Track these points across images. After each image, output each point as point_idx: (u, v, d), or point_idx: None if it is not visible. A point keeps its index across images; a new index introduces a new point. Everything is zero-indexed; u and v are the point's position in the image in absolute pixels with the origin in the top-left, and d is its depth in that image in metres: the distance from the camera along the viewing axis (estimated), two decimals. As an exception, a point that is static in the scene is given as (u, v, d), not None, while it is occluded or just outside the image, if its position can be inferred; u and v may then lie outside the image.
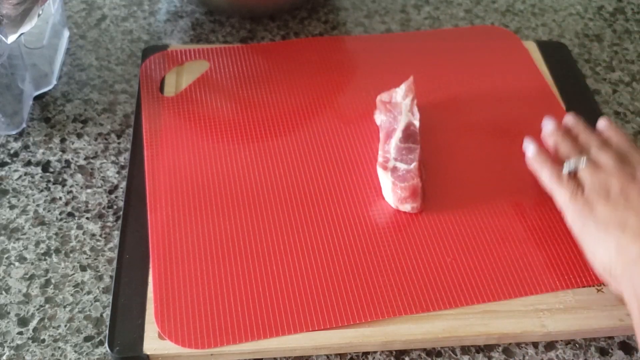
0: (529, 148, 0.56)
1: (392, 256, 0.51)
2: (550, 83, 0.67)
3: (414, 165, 0.54)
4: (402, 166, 0.54)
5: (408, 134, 0.57)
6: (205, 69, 0.66)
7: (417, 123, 0.57)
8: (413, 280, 0.49)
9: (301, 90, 0.64)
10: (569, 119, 0.58)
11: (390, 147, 0.56)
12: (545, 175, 0.53)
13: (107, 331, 0.47)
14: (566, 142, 0.55)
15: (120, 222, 0.53)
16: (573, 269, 0.51)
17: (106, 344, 0.46)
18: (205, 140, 0.59)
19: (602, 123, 0.57)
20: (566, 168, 0.53)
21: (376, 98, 0.61)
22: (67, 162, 0.59)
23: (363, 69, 0.67)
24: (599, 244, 0.47)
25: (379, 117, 0.60)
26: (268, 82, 0.65)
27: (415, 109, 0.58)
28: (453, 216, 0.54)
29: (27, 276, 0.51)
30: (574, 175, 0.52)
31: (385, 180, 0.54)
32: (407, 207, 0.54)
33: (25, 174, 0.58)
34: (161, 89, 0.64)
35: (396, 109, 0.59)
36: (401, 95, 0.59)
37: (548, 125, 0.58)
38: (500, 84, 0.66)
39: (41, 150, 0.59)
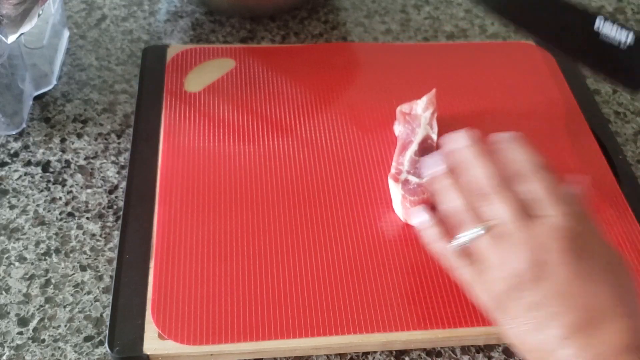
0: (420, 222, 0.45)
1: (397, 269, 0.51)
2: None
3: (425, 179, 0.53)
4: (413, 179, 0.53)
5: (424, 147, 0.56)
6: (230, 68, 0.66)
7: (435, 137, 0.56)
8: (419, 294, 0.49)
9: (320, 95, 0.64)
10: (458, 140, 0.44)
11: (404, 159, 0.55)
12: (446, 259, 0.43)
13: (107, 331, 0.47)
14: (450, 193, 0.43)
15: (120, 222, 0.53)
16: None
17: (106, 344, 0.46)
18: (218, 141, 0.59)
19: (503, 138, 0.44)
20: (456, 242, 0.42)
21: (395, 109, 0.60)
22: (67, 162, 0.59)
23: (387, 78, 0.66)
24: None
25: (398, 128, 0.59)
26: (286, 85, 0.65)
27: (435, 123, 0.57)
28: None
29: (27, 276, 0.51)
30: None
31: (395, 192, 0.54)
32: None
33: (25, 174, 0.58)
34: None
35: (415, 121, 0.58)
36: (422, 107, 0.58)
37: (429, 165, 0.45)
38: (526, 101, 0.65)
39: (41, 150, 0.59)
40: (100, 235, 0.54)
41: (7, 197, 0.56)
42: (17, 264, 0.51)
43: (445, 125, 0.60)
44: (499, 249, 0.40)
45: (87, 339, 0.48)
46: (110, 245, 0.53)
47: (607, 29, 0.46)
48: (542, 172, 0.41)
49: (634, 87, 0.49)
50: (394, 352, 0.48)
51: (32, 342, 0.47)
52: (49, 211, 0.55)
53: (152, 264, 0.50)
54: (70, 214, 0.55)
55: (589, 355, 0.37)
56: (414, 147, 0.56)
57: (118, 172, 0.58)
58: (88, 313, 0.49)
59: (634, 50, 0.46)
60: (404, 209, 0.53)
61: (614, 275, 0.39)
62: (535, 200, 0.40)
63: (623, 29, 0.46)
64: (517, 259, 0.39)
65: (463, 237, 0.42)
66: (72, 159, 0.59)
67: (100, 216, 0.55)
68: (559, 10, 0.47)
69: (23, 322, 0.48)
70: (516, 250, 0.39)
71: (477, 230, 0.41)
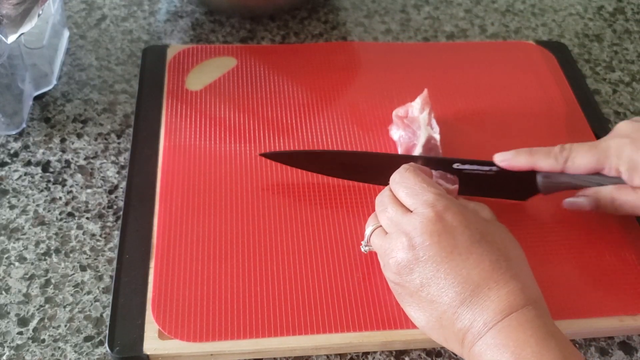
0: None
1: None
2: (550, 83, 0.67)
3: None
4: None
5: (429, 148, 0.56)
6: (231, 67, 0.66)
7: (437, 137, 0.56)
8: None
9: (320, 95, 0.64)
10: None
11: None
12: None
13: (107, 331, 0.47)
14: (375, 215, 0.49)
15: (120, 222, 0.53)
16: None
17: (106, 344, 0.46)
18: (218, 140, 0.59)
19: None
20: (363, 244, 0.50)
21: (392, 112, 0.60)
22: (67, 162, 0.59)
23: (387, 78, 0.66)
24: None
25: (397, 133, 0.59)
26: (286, 84, 0.65)
27: (434, 122, 0.57)
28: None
29: (27, 276, 0.51)
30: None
31: None
32: None
33: (25, 174, 0.58)
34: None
35: (414, 124, 0.58)
36: (417, 109, 0.58)
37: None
38: (526, 100, 0.65)
39: (41, 150, 0.59)
40: (100, 235, 0.54)
41: (7, 197, 0.56)
42: (17, 264, 0.51)
43: (446, 125, 0.60)
44: (384, 242, 0.46)
45: (87, 339, 0.48)
46: (110, 245, 0.53)
47: (467, 167, 0.53)
48: (405, 180, 0.47)
49: (521, 198, 0.55)
50: (394, 352, 0.48)
51: (32, 342, 0.47)
52: (49, 211, 0.55)
53: (152, 264, 0.50)
54: (70, 214, 0.55)
55: (479, 324, 0.41)
56: (418, 149, 0.56)
57: (118, 172, 0.58)
58: (88, 313, 0.49)
59: (502, 173, 0.52)
60: None
61: (486, 246, 0.43)
62: (406, 200, 0.46)
63: (482, 165, 0.53)
64: (395, 247, 0.44)
65: (369, 229, 0.48)
66: (72, 159, 0.59)
67: (100, 216, 0.55)
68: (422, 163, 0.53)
69: (23, 322, 0.48)
70: (393, 241, 0.45)
71: (369, 229, 0.48)
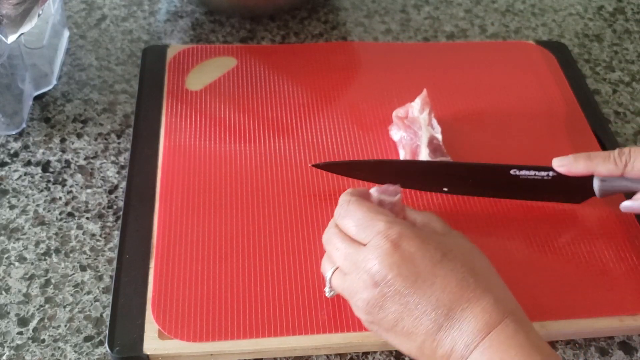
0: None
1: None
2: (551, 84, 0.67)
3: None
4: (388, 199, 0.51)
5: (433, 148, 0.56)
6: (231, 67, 0.66)
7: (439, 136, 0.56)
8: None
9: (320, 95, 0.64)
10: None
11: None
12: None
13: (107, 331, 0.47)
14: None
15: (120, 222, 0.53)
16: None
17: (106, 344, 0.46)
18: (219, 140, 0.59)
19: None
20: (326, 288, 0.47)
21: (392, 113, 0.59)
22: (67, 162, 0.59)
23: (387, 78, 0.66)
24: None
25: (397, 134, 0.59)
26: (286, 84, 0.65)
27: (435, 122, 0.57)
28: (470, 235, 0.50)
29: (27, 276, 0.51)
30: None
31: None
32: None
33: (25, 174, 0.58)
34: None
35: (415, 125, 0.58)
36: (417, 109, 0.58)
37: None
38: (526, 100, 0.65)
39: (41, 150, 0.59)
40: (100, 235, 0.54)
41: (7, 197, 0.56)
42: (17, 264, 0.51)
43: (446, 125, 0.59)
44: (345, 283, 0.44)
45: (87, 339, 0.48)
46: (110, 245, 0.53)
47: (524, 173, 0.53)
48: (352, 212, 0.45)
49: (575, 201, 0.55)
50: (394, 352, 0.48)
51: (32, 342, 0.47)
52: (48, 211, 0.55)
53: (152, 264, 0.50)
54: (70, 214, 0.55)
55: (460, 348, 0.40)
56: (423, 150, 0.56)
57: (118, 172, 0.58)
58: (88, 313, 0.49)
59: (559, 178, 0.52)
60: None
61: (449, 265, 0.42)
62: (357, 234, 0.44)
63: (540, 170, 0.53)
64: (358, 288, 0.42)
65: (328, 274, 0.46)
66: (72, 159, 0.59)
67: (100, 216, 0.55)
68: (480, 172, 0.54)
69: (23, 322, 0.48)
70: (354, 281, 0.43)
71: (328, 273, 0.46)
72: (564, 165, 0.52)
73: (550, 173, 0.52)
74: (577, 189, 0.52)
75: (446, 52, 0.70)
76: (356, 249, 0.43)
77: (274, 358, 0.47)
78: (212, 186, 0.55)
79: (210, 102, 0.62)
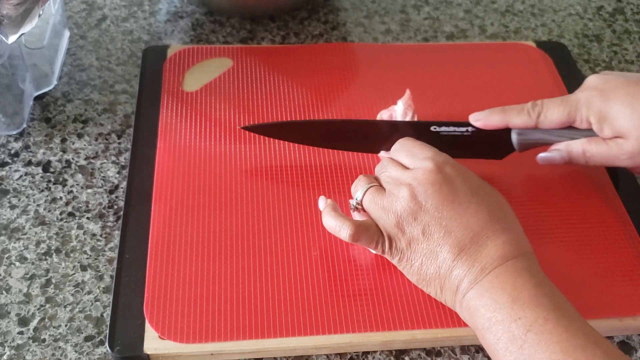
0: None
1: (397, 269, 0.50)
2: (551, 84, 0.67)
3: None
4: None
5: None
6: (227, 68, 0.66)
7: None
8: (418, 294, 0.49)
9: (319, 96, 0.64)
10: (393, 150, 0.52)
11: None
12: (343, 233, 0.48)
13: (107, 331, 0.47)
14: (360, 180, 0.50)
15: (120, 222, 0.53)
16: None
17: (106, 344, 0.46)
18: (215, 140, 0.59)
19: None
20: (354, 199, 0.50)
21: (376, 116, 0.59)
22: (68, 162, 0.59)
23: (386, 78, 0.66)
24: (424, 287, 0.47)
25: None
26: (285, 85, 0.65)
27: None
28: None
29: (27, 276, 0.51)
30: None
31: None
32: None
33: (26, 174, 0.58)
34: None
35: None
36: (400, 113, 0.57)
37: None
38: (525, 101, 0.63)
39: (42, 151, 0.60)
40: (101, 235, 0.54)
41: (8, 197, 0.56)
42: (17, 263, 0.52)
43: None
44: (381, 199, 0.47)
45: (88, 338, 0.48)
46: (111, 245, 0.53)
47: (444, 129, 0.55)
48: (404, 144, 0.50)
49: (497, 157, 0.56)
50: (394, 352, 0.48)
51: (33, 341, 0.47)
52: (49, 211, 0.55)
53: (149, 256, 0.50)
54: (70, 214, 0.55)
55: (476, 270, 0.43)
56: None
57: (118, 172, 0.58)
58: (88, 313, 0.49)
59: (478, 133, 0.54)
60: None
61: (482, 197, 0.46)
62: (407, 161, 0.49)
63: (458, 126, 0.55)
64: (396, 200, 0.46)
65: (358, 193, 0.49)
66: (73, 159, 0.59)
67: (101, 216, 0.55)
68: (399, 130, 0.55)
69: (23, 321, 0.48)
70: (393, 195, 0.46)
71: (360, 191, 0.49)
72: (480, 119, 0.54)
73: (470, 128, 0.54)
74: (496, 143, 0.55)
75: (445, 53, 0.70)
76: (403, 170, 0.48)
77: (274, 358, 0.48)
78: (208, 186, 0.55)
79: (207, 102, 0.62)
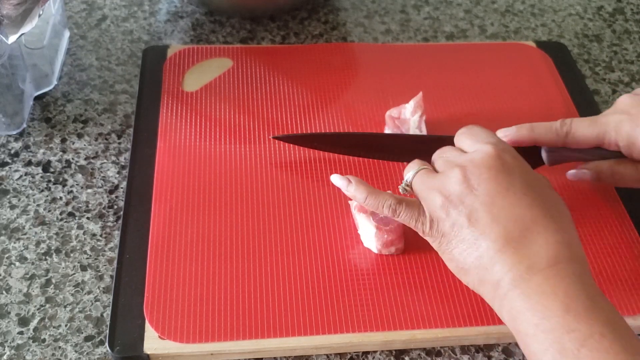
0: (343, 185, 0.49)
1: (398, 268, 0.51)
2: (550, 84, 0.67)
3: None
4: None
5: None
6: (227, 68, 0.66)
7: None
8: (418, 294, 0.49)
9: (319, 96, 0.64)
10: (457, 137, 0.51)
11: None
12: (384, 206, 0.46)
13: (107, 331, 0.47)
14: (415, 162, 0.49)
15: (120, 222, 0.53)
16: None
17: (106, 344, 0.46)
18: (215, 140, 0.59)
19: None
20: (405, 179, 0.48)
21: (385, 114, 0.59)
22: (68, 162, 0.59)
23: (386, 78, 0.66)
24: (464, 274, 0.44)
25: (387, 133, 0.59)
26: (284, 85, 0.65)
27: (424, 126, 0.57)
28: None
29: (27, 276, 0.51)
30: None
31: (366, 225, 0.50)
32: (391, 250, 0.51)
33: (26, 174, 0.58)
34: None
35: (404, 126, 0.58)
36: (410, 111, 0.58)
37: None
38: (525, 101, 0.65)
39: (42, 150, 0.60)
40: (101, 235, 0.54)
41: (8, 197, 0.56)
42: (17, 263, 0.52)
43: (445, 126, 0.60)
44: (432, 179, 0.45)
45: (88, 338, 0.48)
46: (111, 245, 0.53)
47: None
48: (470, 129, 0.48)
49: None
50: (394, 352, 0.48)
51: (33, 341, 0.47)
52: (49, 211, 0.55)
53: (148, 256, 0.50)
54: (70, 214, 0.55)
55: (522, 267, 0.40)
56: None
57: (118, 172, 0.58)
58: (88, 313, 0.49)
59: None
60: (380, 240, 0.50)
61: (539, 193, 0.43)
62: (469, 145, 0.47)
63: None
64: (447, 181, 0.44)
65: (410, 173, 0.47)
66: (73, 159, 0.59)
67: (101, 216, 0.55)
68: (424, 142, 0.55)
69: (23, 321, 0.48)
70: (445, 175, 0.45)
71: (411, 172, 0.47)
72: (508, 135, 0.52)
73: None
74: (526, 158, 0.51)
75: (445, 53, 0.70)
76: (461, 153, 0.46)
77: (274, 358, 0.48)
78: (208, 186, 0.55)
79: (206, 102, 0.62)
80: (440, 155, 0.48)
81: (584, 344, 0.37)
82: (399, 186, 0.49)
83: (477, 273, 0.42)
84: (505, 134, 0.52)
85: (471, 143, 0.47)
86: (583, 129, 0.51)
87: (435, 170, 0.47)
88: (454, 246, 0.43)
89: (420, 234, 0.46)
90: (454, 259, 0.44)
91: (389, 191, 0.48)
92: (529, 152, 0.52)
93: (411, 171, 0.48)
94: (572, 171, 0.54)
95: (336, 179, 0.49)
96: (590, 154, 0.52)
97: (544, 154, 0.53)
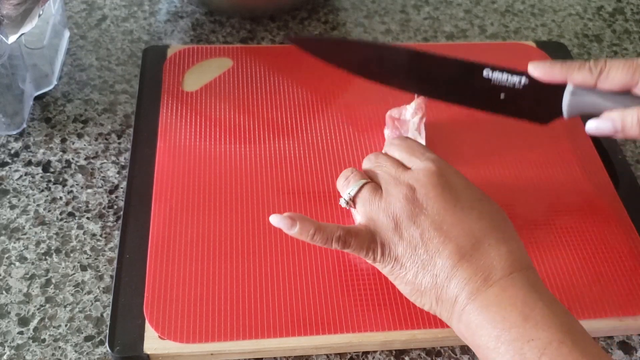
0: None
1: None
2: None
3: None
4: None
5: None
6: (227, 67, 0.66)
7: (422, 142, 0.56)
8: None
9: (318, 96, 0.64)
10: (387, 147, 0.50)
11: None
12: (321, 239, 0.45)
13: (107, 331, 0.47)
14: (352, 174, 0.48)
15: (120, 222, 0.53)
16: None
17: (106, 344, 0.46)
18: (215, 140, 0.59)
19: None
20: (345, 195, 0.47)
21: (386, 114, 0.59)
22: (68, 162, 0.59)
23: None
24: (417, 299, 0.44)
25: (386, 133, 0.59)
26: (284, 84, 0.65)
27: (423, 128, 0.57)
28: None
29: (27, 276, 0.51)
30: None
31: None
32: None
33: (26, 174, 0.58)
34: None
35: (403, 127, 0.58)
36: (410, 112, 0.58)
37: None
38: None
39: (42, 150, 0.60)
40: (101, 235, 0.54)
41: (8, 197, 0.56)
42: (17, 263, 0.52)
43: (444, 127, 0.60)
44: (377, 198, 0.45)
45: (88, 338, 0.48)
46: (111, 245, 0.53)
47: (497, 76, 0.50)
48: (404, 141, 0.49)
49: (542, 120, 0.52)
50: (394, 352, 0.48)
51: (33, 341, 0.47)
52: (49, 211, 0.55)
53: (148, 256, 0.50)
54: (70, 214, 0.55)
55: (478, 280, 0.41)
56: None
57: (118, 172, 0.58)
58: (88, 313, 0.49)
59: (530, 88, 0.50)
60: None
61: (483, 205, 0.44)
62: (406, 158, 0.47)
63: (513, 74, 0.50)
64: (394, 200, 0.44)
65: (351, 190, 0.46)
66: (73, 159, 0.59)
67: (101, 216, 0.55)
68: (446, 66, 0.52)
69: (23, 321, 0.48)
70: (391, 195, 0.44)
71: (354, 187, 0.46)
72: (539, 68, 0.49)
73: (523, 80, 0.50)
74: (546, 103, 0.50)
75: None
76: (402, 168, 0.46)
77: (274, 358, 0.48)
78: (208, 186, 0.55)
79: (206, 102, 0.62)
80: (378, 166, 0.47)
81: (544, 352, 0.37)
82: (339, 200, 0.48)
83: (434, 293, 0.42)
84: (537, 66, 0.49)
85: (410, 159, 0.47)
86: (618, 67, 0.47)
87: (372, 180, 0.47)
88: (408, 269, 0.43)
89: (370, 261, 0.45)
90: (408, 282, 0.43)
91: (333, 223, 0.46)
92: (549, 99, 0.50)
93: (353, 185, 0.47)
94: (592, 121, 0.49)
95: (276, 220, 0.46)
96: (616, 100, 0.48)
97: (566, 97, 0.49)
